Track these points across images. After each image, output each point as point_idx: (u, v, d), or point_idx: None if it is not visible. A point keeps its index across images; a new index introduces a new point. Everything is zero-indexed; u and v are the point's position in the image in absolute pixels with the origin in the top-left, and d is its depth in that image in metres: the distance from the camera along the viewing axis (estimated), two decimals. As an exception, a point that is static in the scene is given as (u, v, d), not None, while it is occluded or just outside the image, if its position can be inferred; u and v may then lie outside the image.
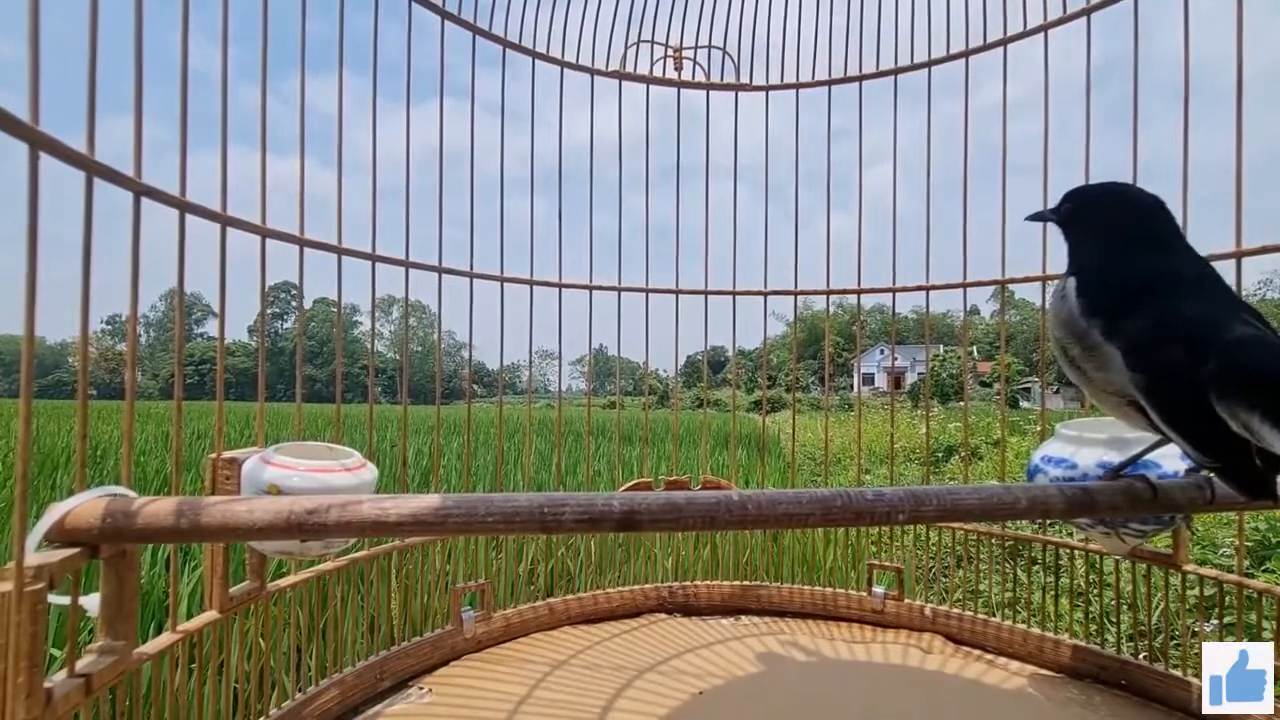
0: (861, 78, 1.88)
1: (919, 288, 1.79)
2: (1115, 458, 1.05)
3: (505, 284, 1.71)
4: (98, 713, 0.79)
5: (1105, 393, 0.81)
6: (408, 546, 1.48)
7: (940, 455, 7.97)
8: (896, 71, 1.84)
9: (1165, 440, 0.82)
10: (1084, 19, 1.51)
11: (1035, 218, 1.00)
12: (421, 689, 1.37)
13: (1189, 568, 1.28)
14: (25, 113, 0.63)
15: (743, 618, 1.81)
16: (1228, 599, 1.26)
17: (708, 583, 1.89)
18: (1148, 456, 1.03)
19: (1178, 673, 1.31)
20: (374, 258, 1.39)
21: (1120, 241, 0.84)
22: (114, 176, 0.80)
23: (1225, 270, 1.22)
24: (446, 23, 1.56)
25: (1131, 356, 0.76)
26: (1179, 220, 0.87)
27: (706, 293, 1.92)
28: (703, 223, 1.92)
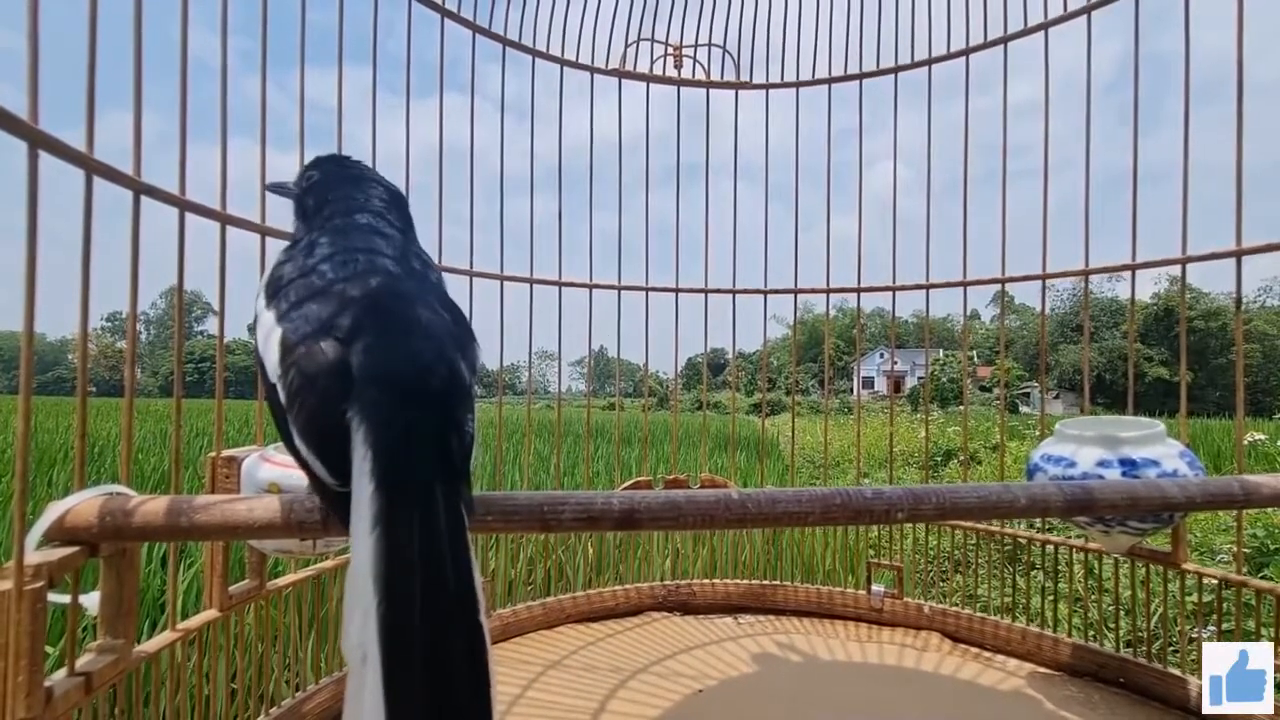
0: (862, 76, 1.88)
1: (919, 286, 1.80)
2: (1114, 456, 1.05)
3: (505, 282, 1.71)
4: (97, 711, 0.79)
5: None
6: (407, 546, 1.48)
7: (939, 460, 7.97)
8: (897, 70, 1.84)
9: None
10: (1084, 17, 1.52)
11: None
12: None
13: (1188, 566, 1.28)
14: (24, 110, 0.63)
15: (741, 617, 1.81)
16: (1226, 603, 1.26)
17: (706, 581, 1.89)
18: (1146, 454, 1.04)
19: (1176, 671, 1.32)
20: (374, 257, 1.38)
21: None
22: (113, 175, 0.80)
23: (1226, 269, 1.23)
24: (446, 20, 1.56)
25: None
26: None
27: (706, 291, 1.92)
28: (703, 222, 1.92)
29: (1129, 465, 1.03)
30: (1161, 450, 1.04)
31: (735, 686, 1.39)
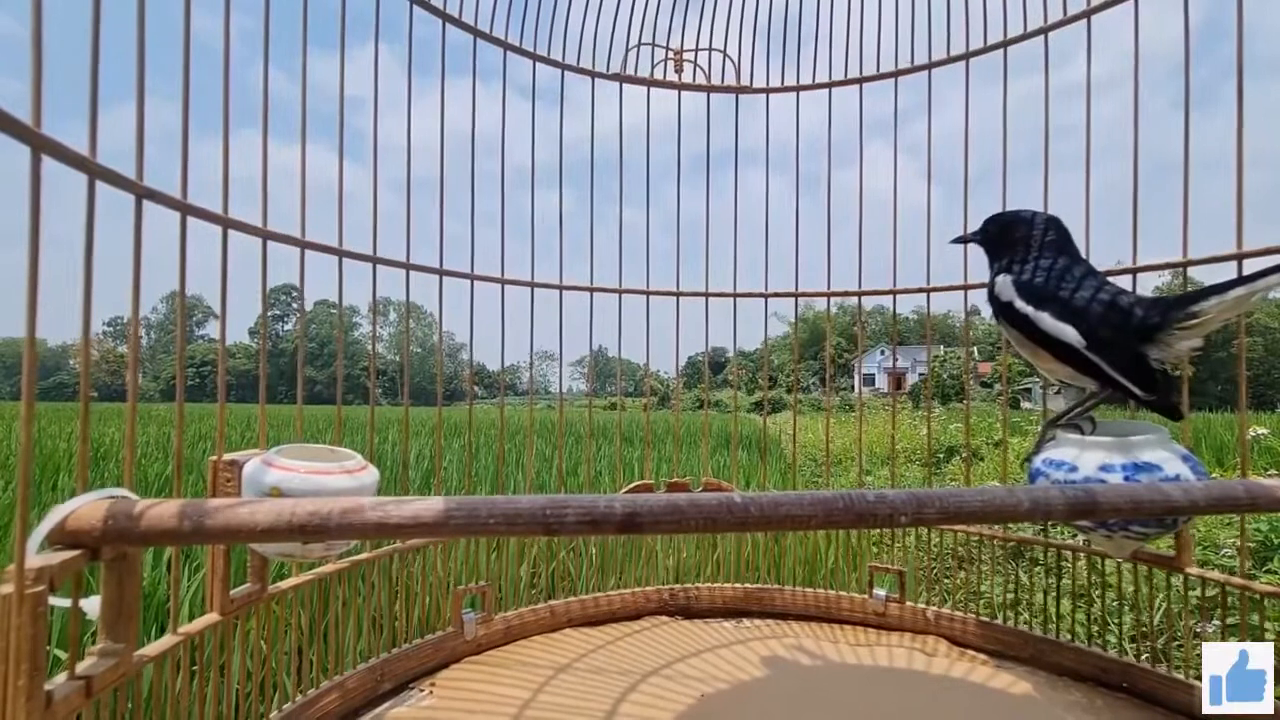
0: (862, 80, 1.88)
1: (920, 289, 1.79)
2: (1116, 461, 1.05)
3: (506, 286, 1.71)
4: (98, 715, 0.79)
5: (1056, 363, 1.11)
6: (409, 549, 1.48)
7: (941, 456, 7.96)
8: (897, 74, 1.84)
9: (1102, 394, 1.11)
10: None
11: (958, 240, 1.38)
12: (422, 691, 1.37)
13: (1192, 571, 1.28)
14: (27, 113, 0.63)
15: (744, 620, 1.81)
16: (1230, 599, 1.25)
17: (709, 585, 1.89)
18: (1149, 459, 1.04)
19: (1179, 675, 1.31)
20: (375, 260, 1.39)
21: (1036, 249, 1.17)
22: (116, 179, 0.80)
23: (1228, 267, 1.23)
24: (447, 25, 1.56)
25: (1084, 327, 1.05)
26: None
27: (707, 295, 1.92)
28: (704, 225, 1.92)
29: (1131, 470, 1.03)
30: (1164, 455, 1.04)
31: (740, 690, 1.38)
